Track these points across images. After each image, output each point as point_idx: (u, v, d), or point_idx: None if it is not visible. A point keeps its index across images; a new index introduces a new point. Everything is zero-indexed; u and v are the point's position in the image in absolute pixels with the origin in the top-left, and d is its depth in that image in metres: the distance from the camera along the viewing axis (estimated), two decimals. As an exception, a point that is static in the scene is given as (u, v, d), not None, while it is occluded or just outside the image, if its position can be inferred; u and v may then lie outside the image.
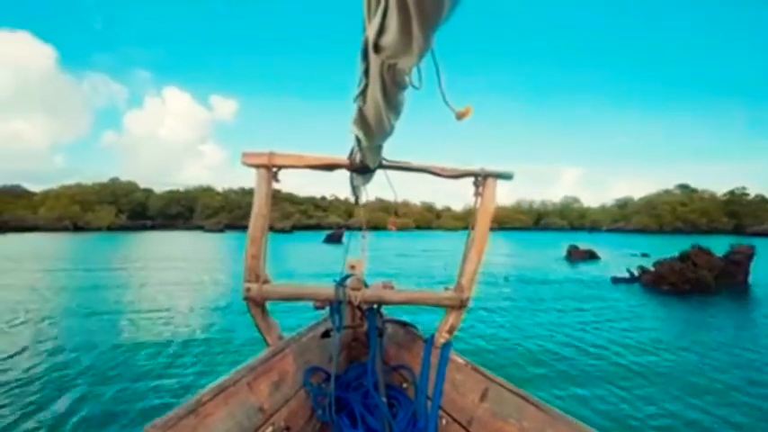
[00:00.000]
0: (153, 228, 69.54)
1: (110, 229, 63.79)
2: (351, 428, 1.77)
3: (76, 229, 62.06)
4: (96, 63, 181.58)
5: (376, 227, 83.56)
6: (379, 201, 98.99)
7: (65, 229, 60.61)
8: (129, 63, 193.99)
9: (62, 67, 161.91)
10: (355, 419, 1.80)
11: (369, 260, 2.60)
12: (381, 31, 0.59)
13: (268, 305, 1.98)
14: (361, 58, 0.81)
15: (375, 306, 2.16)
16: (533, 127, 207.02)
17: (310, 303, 2.27)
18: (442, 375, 1.86)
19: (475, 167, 1.87)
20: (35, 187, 79.48)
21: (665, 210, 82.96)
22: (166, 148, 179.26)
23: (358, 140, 1.33)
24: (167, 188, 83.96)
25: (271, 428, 1.52)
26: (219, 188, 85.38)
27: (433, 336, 2.05)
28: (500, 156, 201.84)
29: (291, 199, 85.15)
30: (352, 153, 1.69)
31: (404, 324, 2.34)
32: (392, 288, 2.15)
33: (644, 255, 23.82)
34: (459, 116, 0.76)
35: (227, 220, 72.04)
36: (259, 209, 1.81)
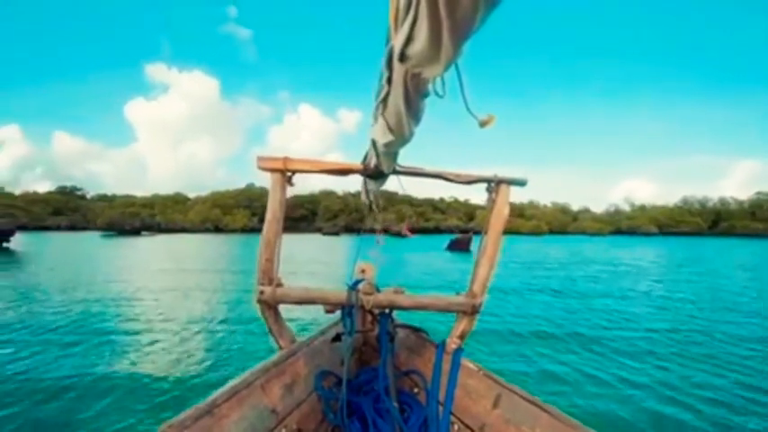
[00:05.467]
0: (280, 230, 73.77)
1: (243, 230, 69.78)
2: None
3: (217, 230, 69.34)
4: (248, 89, 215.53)
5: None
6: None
7: (207, 230, 68.18)
8: (272, 87, 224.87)
9: (223, 95, 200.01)
10: (366, 424, 1.76)
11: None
12: (409, 40, 0.57)
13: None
14: (385, 66, 0.81)
15: (387, 311, 2.11)
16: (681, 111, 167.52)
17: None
18: (454, 381, 1.82)
19: (488, 173, 1.85)
20: (192, 194, 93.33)
21: None
22: (299, 157, 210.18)
23: (375, 146, 1.32)
24: (295, 193, 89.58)
25: (283, 431, 1.50)
26: (340, 191, 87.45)
27: (444, 341, 2.01)
28: (640, 147, 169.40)
29: (410, 201, 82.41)
30: (366, 158, 1.67)
31: (415, 329, 2.30)
32: (403, 293, 2.06)
33: None
34: (483, 124, 0.73)
35: (344, 222, 72.80)
36: (273, 213, 1.80)
